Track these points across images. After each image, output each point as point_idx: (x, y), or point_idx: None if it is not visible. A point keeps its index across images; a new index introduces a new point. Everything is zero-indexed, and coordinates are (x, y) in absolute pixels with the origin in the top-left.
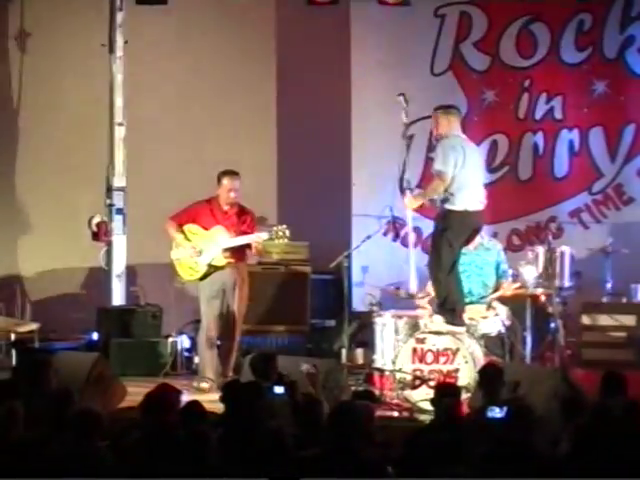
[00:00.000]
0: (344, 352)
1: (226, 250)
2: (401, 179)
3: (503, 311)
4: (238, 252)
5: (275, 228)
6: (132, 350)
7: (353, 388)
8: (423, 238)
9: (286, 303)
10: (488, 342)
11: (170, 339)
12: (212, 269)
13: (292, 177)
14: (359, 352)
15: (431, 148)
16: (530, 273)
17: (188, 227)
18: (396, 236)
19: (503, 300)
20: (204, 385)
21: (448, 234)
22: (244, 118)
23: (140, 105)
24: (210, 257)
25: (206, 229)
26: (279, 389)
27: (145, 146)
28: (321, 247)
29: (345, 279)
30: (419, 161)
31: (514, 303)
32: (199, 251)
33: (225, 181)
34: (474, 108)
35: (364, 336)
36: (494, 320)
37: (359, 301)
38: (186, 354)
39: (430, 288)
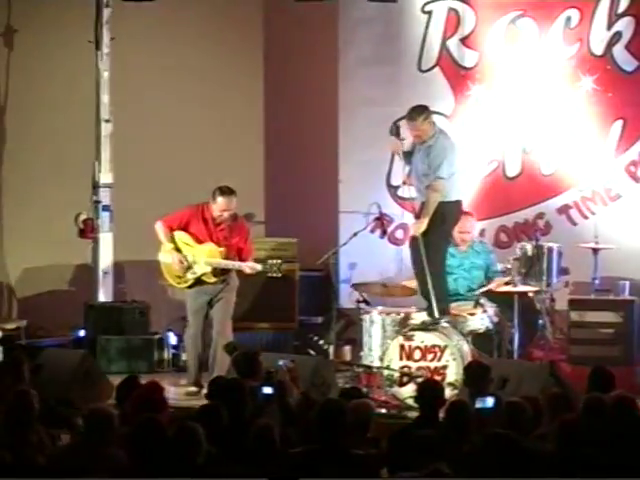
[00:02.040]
0: (332, 349)
1: (216, 269)
2: (388, 175)
3: (491, 308)
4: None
5: (270, 262)
6: (119, 347)
7: (340, 385)
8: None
9: (273, 300)
10: (476, 339)
11: (157, 336)
12: (199, 282)
13: (279, 174)
14: (347, 349)
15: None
16: (518, 270)
17: (179, 235)
18: (383, 233)
19: (491, 297)
20: (192, 389)
21: (446, 227)
22: (231, 114)
23: (127, 101)
24: (199, 272)
25: (197, 240)
26: (268, 389)
27: (132, 142)
28: (308, 244)
29: (333, 276)
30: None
31: (502, 300)
32: (188, 266)
33: (220, 200)
34: (462, 105)
35: (352, 333)
36: (482, 317)
37: (346, 298)
38: (173, 351)
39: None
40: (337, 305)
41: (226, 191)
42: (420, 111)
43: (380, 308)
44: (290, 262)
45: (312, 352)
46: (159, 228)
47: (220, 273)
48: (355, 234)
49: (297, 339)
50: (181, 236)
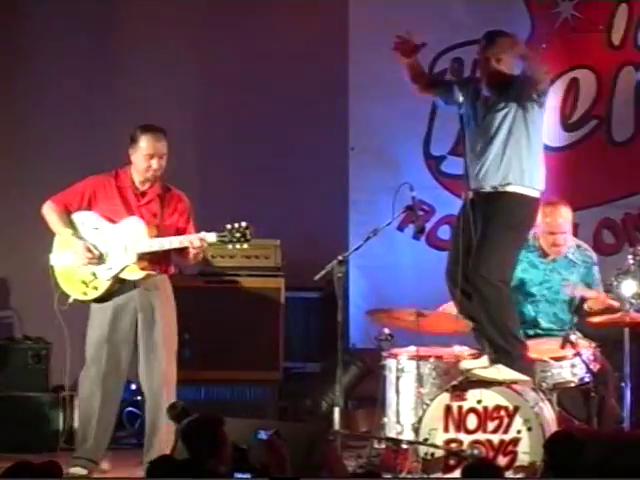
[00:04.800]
0: (337, 413)
1: (144, 257)
2: (427, 139)
3: (588, 348)
4: (162, 258)
5: (229, 226)
6: (2, 413)
7: (351, 468)
8: None
9: (246, 337)
10: (564, 397)
11: (62, 393)
12: (117, 286)
13: (248, 135)
14: (360, 414)
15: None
16: (630, 289)
17: (81, 216)
18: (420, 232)
19: (589, 331)
20: (78, 469)
21: (523, 231)
22: None
23: None
24: (118, 266)
25: (112, 221)
26: (240, 477)
27: None
28: (299, 248)
29: (339, 298)
30: (452, 117)
31: (605, 336)
32: (99, 256)
33: (144, 142)
34: (543, 30)
35: (368, 388)
36: (573, 362)
37: (360, 333)
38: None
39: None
40: (345, 344)
41: (151, 127)
42: (505, 33)
43: (413, 349)
44: (272, 276)
45: (306, 418)
46: (49, 211)
47: (150, 265)
48: (374, 233)
49: (283, 397)
50: (85, 217)
